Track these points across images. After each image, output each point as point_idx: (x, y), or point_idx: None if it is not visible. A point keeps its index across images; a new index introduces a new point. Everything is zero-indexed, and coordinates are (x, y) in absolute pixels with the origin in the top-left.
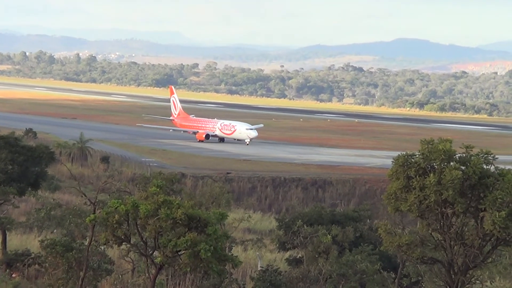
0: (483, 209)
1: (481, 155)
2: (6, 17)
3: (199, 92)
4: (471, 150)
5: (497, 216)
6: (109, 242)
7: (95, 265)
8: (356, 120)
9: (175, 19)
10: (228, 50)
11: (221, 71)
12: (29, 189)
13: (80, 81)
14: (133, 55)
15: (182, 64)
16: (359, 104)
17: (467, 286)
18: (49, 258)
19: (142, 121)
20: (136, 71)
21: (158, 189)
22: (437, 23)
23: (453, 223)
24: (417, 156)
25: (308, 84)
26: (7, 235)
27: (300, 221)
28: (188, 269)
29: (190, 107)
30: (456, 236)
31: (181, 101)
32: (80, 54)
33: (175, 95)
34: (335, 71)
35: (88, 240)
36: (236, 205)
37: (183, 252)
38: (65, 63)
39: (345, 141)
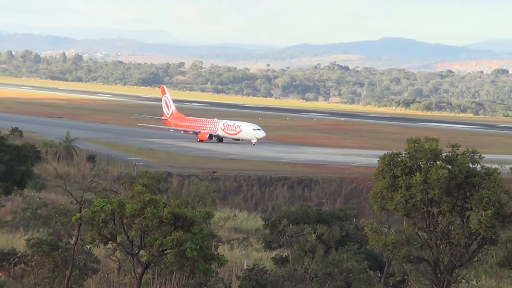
0: (469, 208)
1: (467, 154)
2: None
3: (185, 91)
4: (457, 149)
5: (483, 215)
6: (95, 241)
7: (81, 264)
8: (342, 119)
9: (161, 18)
10: (214, 49)
11: (207, 70)
12: (15, 188)
13: (66, 80)
14: (119, 54)
15: (168, 63)
16: (345, 103)
17: (453, 285)
18: (35, 257)
19: (143, 121)
20: (122, 70)
21: (144, 188)
22: (423, 22)
23: (439, 222)
24: (403, 155)
25: (294, 83)
26: None
27: (286, 220)
28: (174, 268)
29: (176, 106)
30: (442, 235)
31: None
32: (66, 53)
33: (167, 94)
34: (321, 70)
35: (74, 239)
36: (222, 204)
37: (169, 251)
38: (51, 62)
39: (331, 140)
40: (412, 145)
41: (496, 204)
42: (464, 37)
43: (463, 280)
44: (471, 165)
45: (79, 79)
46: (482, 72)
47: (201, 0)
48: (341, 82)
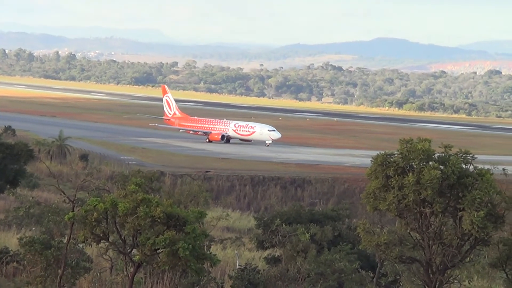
0: (461, 208)
1: (460, 154)
2: None
3: (178, 90)
4: (450, 150)
5: (475, 216)
6: (87, 240)
7: (73, 263)
8: (335, 119)
9: (155, 17)
10: (207, 49)
11: (200, 69)
12: (8, 186)
13: (60, 79)
14: (113, 53)
15: (161, 62)
16: (338, 103)
17: (445, 285)
18: (28, 256)
19: (155, 121)
20: (115, 69)
21: (137, 187)
22: (416, 22)
23: (432, 222)
24: (396, 155)
25: (287, 83)
26: None
27: (278, 220)
28: (167, 267)
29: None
30: (435, 235)
31: (160, 100)
32: (60, 52)
33: (169, 94)
34: (314, 70)
35: (66, 238)
36: (214, 203)
37: (162, 250)
38: (44, 61)
39: (324, 140)
40: (405, 146)
41: (489, 205)
42: (458, 37)
43: (455, 281)
44: (463, 166)
45: (73, 78)
46: (475, 73)
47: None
48: (334, 82)
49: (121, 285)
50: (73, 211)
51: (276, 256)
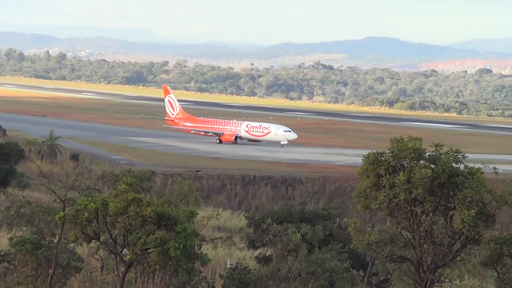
0: (452, 207)
1: (451, 153)
2: None
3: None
4: (441, 149)
5: (466, 215)
6: (78, 239)
7: (64, 262)
8: (326, 118)
9: (145, 17)
10: (198, 48)
11: (191, 68)
12: None
13: (50, 78)
14: (103, 52)
15: (152, 61)
16: (329, 102)
17: (436, 284)
18: (18, 256)
19: (167, 122)
20: (106, 69)
21: (127, 187)
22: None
23: (423, 221)
24: (387, 154)
25: (278, 82)
26: None
27: (269, 219)
28: (157, 267)
29: (160, 105)
30: (426, 234)
31: (151, 99)
32: (50, 51)
33: (171, 94)
34: (305, 69)
35: (57, 237)
36: (205, 203)
37: (152, 250)
38: (35, 60)
39: (314, 139)
40: (396, 145)
41: (479, 203)
42: (448, 36)
43: (446, 280)
44: (454, 165)
45: (63, 78)
46: (466, 71)
47: None
48: (325, 81)
49: (112, 285)
50: (63, 210)
51: (267, 255)
